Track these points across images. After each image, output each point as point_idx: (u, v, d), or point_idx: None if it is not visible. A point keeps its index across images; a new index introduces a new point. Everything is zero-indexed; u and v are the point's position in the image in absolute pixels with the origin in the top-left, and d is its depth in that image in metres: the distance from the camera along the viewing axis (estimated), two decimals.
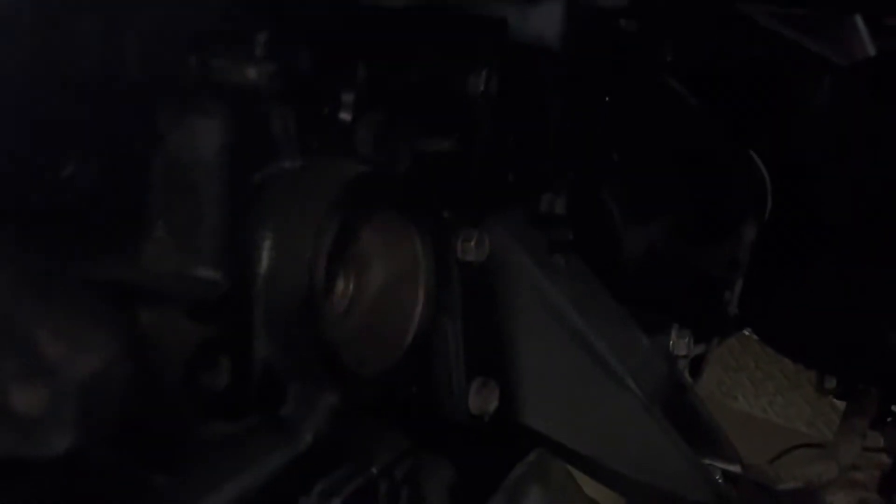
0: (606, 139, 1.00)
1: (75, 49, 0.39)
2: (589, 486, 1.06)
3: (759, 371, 2.52)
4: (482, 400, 0.68)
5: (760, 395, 2.46)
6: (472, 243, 0.65)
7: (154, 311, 0.43)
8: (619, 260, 0.98)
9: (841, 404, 2.32)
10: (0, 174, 0.36)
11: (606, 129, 0.99)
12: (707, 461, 0.74)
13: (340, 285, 0.57)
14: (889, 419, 1.33)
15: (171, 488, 0.47)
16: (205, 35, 0.44)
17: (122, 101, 0.42)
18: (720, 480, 0.74)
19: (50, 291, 0.32)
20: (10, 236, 0.34)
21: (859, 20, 0.54)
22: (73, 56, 0.39)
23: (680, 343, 0.79)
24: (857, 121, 1.04)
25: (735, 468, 0.76)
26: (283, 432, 0.53)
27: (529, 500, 0.96)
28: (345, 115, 0.56)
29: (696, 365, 1.10)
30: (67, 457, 0.31)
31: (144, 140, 0.44)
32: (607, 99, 0.99)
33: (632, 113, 1.01)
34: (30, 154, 0.38)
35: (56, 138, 0.39)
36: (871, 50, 0.56)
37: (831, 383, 1.36)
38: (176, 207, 0.47)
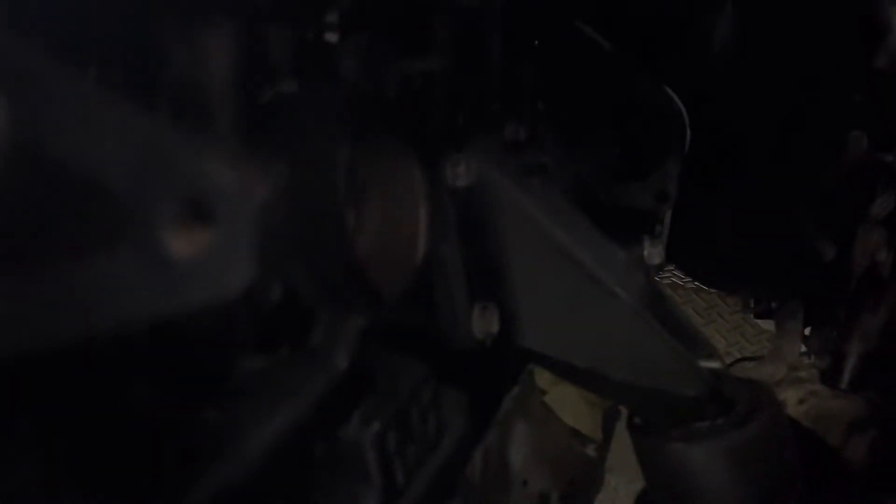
0: (534, 86, 1.02)
1: None
2: (567, 416, 1.09)
3: None
4: (484, 324, 0.69)
5: None
6: (461, 168, 0.66)
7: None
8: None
9: (751, 332, 2.46)
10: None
11: (534, 76, 1.01)
12: (693, 359, 0.78)
13: (350, 211, 0.56)
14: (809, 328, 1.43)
15: (220, 423, 0.45)
16: None
17: (131, 18, 0.40)
18: (707, 374, 0.78)
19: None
20: None
21: None
22: None
23: (653, 252, 0.82)
24: (758, 42, 1.11)
25: (717, 364, 0.80)
26: (318, 360, 0.51)
27: (517, 435, 0.98)
28: (330, 37, 0.55)
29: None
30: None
31: (155, 60, 0.42)
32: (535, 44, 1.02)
33: (552, 60, 1.04)
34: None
35: (72, 48, 0.36)
36: None
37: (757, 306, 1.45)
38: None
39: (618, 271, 0.75)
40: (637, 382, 0.74)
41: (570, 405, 1.07)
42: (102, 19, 0.37)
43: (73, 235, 0.24)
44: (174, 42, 0.42)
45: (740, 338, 2.54)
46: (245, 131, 0.47)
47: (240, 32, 0.45)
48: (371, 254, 0.57)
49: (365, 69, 0.57)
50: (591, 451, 1.05)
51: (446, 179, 0.65)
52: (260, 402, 0.48)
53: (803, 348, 1.40)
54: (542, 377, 1.17)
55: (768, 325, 1.70)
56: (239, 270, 0.28)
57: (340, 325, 0.52)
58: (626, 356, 0.74)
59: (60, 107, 0.23)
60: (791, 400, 1.09)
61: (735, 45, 1.14)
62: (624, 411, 1.08)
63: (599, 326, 0.74)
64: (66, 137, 0.23)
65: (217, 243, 0.27)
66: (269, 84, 0.50)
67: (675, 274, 2.33)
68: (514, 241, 0.71)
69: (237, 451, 0.44)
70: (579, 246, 0.74)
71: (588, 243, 0.75)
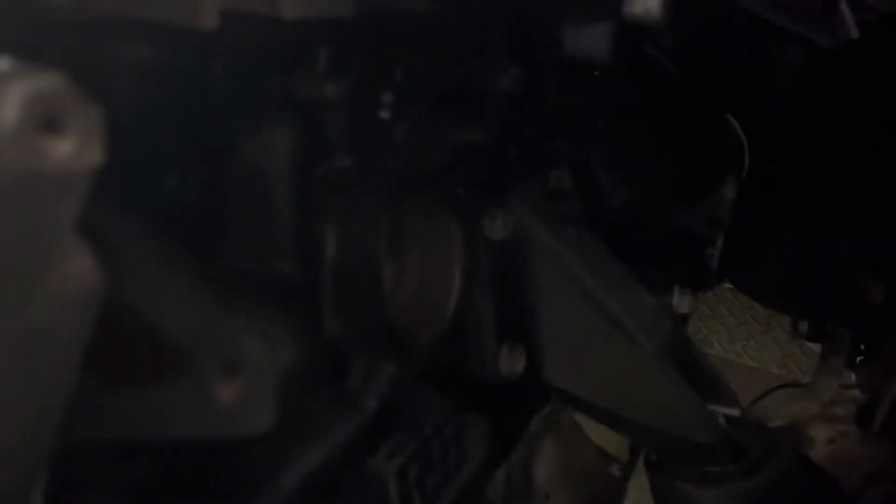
0: (594, 108, 1.06)
1: (173, 78, 0.44)
2: (596, 434, 1.15)
3: (732, 318, 2.64)
4: (511, 363, 0.75)
5: (735, 341, 2.59)
6: (498, 222, 0.72)
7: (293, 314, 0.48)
8: (609, 224, 1.05)
9: (811, 345, 2.45)
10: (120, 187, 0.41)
11: (594, 98, 1.04)
12: (711, 406, 0.82)
13: (387, 267, 0.63)
14: (860, 358, 1.43)
15: (262, 457, 0.53)
16: (278, 55, 0.49)
17: (211, 119, 0.47)
18: (723, 423, 0.82)
19: (239, 291, 0.38)
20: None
21: (844, 4, 0.60)
22: (172, 84, 0.44)
23: (682, 301, 0.86)
24: (825, 82, 1.11)
25: (735, 412, 0.84)
26: (351, 402, 0.59)
27: (544, 451, 1.05)
28: (384, 114, 0.61)
29: (682, 319, 1.18)
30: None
31: (226, 151, 0.50)
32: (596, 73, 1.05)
33: (615, 81, 1.07)
34: (142, 168, 0.43)
35: (161, 154, 0.44)
36: (855, 32, 0.62)
37: (804, 327, 1.46)
38: (252, 209, 0.52)
39: (644, 319, 0.80)
40: (653, 425, 0.80)
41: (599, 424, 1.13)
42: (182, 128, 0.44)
43: (144, 378, 0.32)
44: (242, 136, 0.49)
45: (797, 349, 2.52)
46: (300, 206, 0.54)
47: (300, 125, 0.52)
48: (406, 307, 0.64)
49: (414, 141, 0.63)
50: (615, 470, 1.11)
51: (484, 232, 0.71)
52: (297, 438, 0.56)
53: (852, 378, 1.41)
54: None
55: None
56: (262, 417, 0.36)
57: (373, 372, 0.60)
58: (644, 400, 0.79)
59: (138, 271, 0.30)
60: (820, 438, 1.11)
61: (801, 76, 1.14)
62: None
63: (621, 371, 0.79)
64: (143, 299, 0.30)
65: (247, 394, 0.34)
66: (326, 160, 0.57)
67: None
68: (545, 288, 0.77)
69: (275, 483, 0.52)
70: (609, 293, 0.79)
71: (618, 291, 0.80)
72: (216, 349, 0.34)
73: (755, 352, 2.54)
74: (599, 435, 1.13)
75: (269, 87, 0.49)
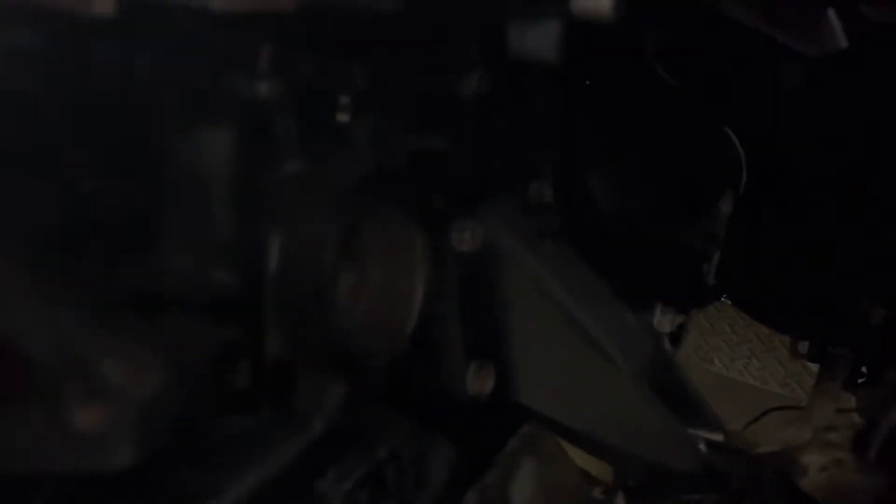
0: (588, 121, 1.03)
1: (95, 72, 0.41)
2: (579, 456, 1.11)
3: (734, 335, 2.59)
4: (480, 382, 0.72)
5: (736, 359, 2.53)
6: (467, 234, 0.68)
7: (175, 317, 0.45)
8: (603, 237, 1.01)
9: (813, 366, 2.40)
10: (27, 193, 0.38)
11: (588, 111, 1.01)
12: (691, 431, 0.78)
13: (344, 280, 0.60)
14: (860, 381, 1.39)
15: (196, 481, 0.50)
16: (212, 53, 0.46)
17: (136, 118, 0.44)
18: (703, 448, 0.78)
19: (103, 312, 0.34)
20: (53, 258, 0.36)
21: (832, 13, 0.57)
22: (93, 78, 0.41)
23: (664, 320, 0.82)
24: (825, 97, 1.08)
25: (717, 437, 0.80)
26: (297, 423, 0.56)
27: (523, 472, 1.01)
28: (342, 117, 0.58)
29: (675, 337, 1.15)
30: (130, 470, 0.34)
31: (158, 153, 0.46)
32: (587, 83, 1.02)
33: (611, 94, 1.04)
34: (54, 171, 0.40)
35: (79, 156, 0.41)
36: (844, 42, 0.59)
37: (804, 347, 1.42)
38: (189, 216, 0.49)
39: (622, 338, 0.77)
40: (630, 450, 0.76)
41: None
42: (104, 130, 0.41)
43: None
44: (175, 139, 0.46)
45: (800, 368, 2.47)
46: (239, 212, 0.51)
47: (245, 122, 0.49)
48: (362, 322, 0.61)
49: (373, 147, 0.60)
50: (598, 493, 1.07)
51: (452, 244, 0.68)
52: (236, 460, 0.52)
53: (851, 402, 1.37)
54: None
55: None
56: (125, 449, 0.32)
57: (322, 391, 0.56)
58: (621, 424, 0.76)
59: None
60: (813, 465, 1.07)
61: (802, 89, 1.11)
62: None
63: (597, 392, 0.76)
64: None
65: (109, 423, 0.31)
66: (274, 164, 0.54)
67: None
68: (517, 304, 0.73)
69: None
70: (584, 310, 0.75)
71: (594, 308, 0.77)
72: (75, 373, 0.31)
73: (757, 370, 2.48)
74: (582, 456, 1.09)
75: (202, 85, 0.46)
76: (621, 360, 0.75)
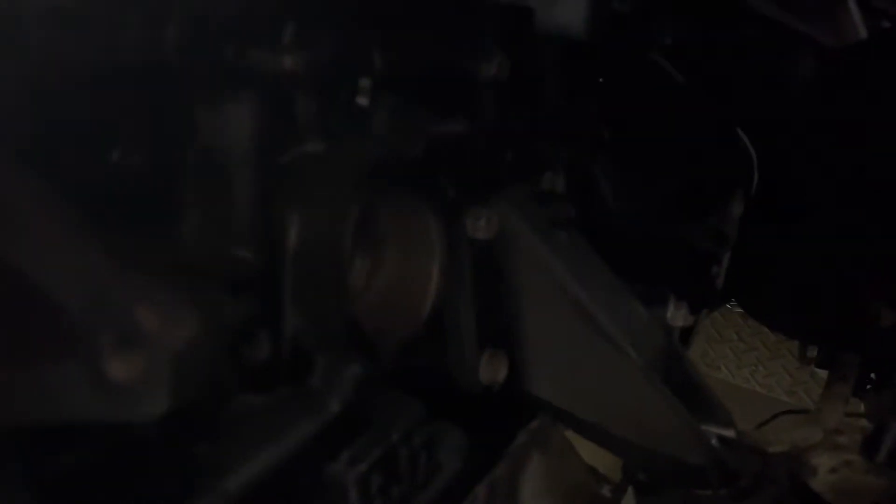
0: (599, 117, 1.03)
1: (119, 39, 0.41)
2: (586, 452, 1.10)
3: (741, 343, 2.58)
4: (492, 370, 0.71)
5: (743, 366, 2.53)
6: (482, 221, 0.68)
7: (197, 290, 0.45)
8: (611, 235, 1.01)
9: (820, 373, 2.38)
10: (55, 158, 0.38)
11: (599, 107, 1.01)
12: (703, 426, 0.78)
13: (360, 262, 0.60)
14: (868, 386, 1.38)
15: (210, 457, 0.50)
16: (238, 24, 0.46)
17: (161, 89, 0.44)
18: (715, 444, 0.78)
19: (142, 265, 0.35)
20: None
21: (852, 3, 0.56)
22: (117, 46, 0.41)
23: (677, 314, 0.82)
24: (838, 97, 1.08)
25: (729, 433, 0.80)
26: (312, 403, 0.56)
27: (531, 467, 1.01)
28: (362, 100, 0.58)
29: (685, 337, 1.14)
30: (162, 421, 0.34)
31: (181, 126, 0.47)
32: (601, 80, 1.02)
33: (623, 91, 1.04)
34: (79, 139, 0.40)
35: (103, 125, 0.41)
36: (864, 33, 0.59)
37: (813, 352, 1.41)
38: (208, 189, 0.49)
39: (634, 330, 0.76)
40: (640, 443, 0.76)
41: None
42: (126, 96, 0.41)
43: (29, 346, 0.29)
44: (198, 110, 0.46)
45: (807, 377, 2.46)
46: (261, 190, 0.51)
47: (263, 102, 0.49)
48: (377, 305, 0.61)
49: (392, 130, 0.60)
50: (606, 491, 1.06)
51: (467, 231, 0.68)
52: (251, 438, 0.52)
53: (860, 406, 1.36)
54: None
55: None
56: (157, 399, 0.32)
57: (337, 371, 0.56)
58: (631, 416, 0.75)
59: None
60: (823, 466, 1.06)
61: (814, 92, 1.11)
62: None
63: (608, 383, 0.75)
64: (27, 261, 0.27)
65: (142, 372, 0.31)
66: (295, 143, 0.54)
67: None
68: (530, 293, 0.73)
69: (222, 486, 0.49)
70: (597, 302, 0.75)
71: (608, 300, 0.77)
72: (109, 321, 0.31)
73: (763, 378, 2.47)
74: (591, 453, 1.08)
75: (227, 58, 0.46)
76: (633, 351, 0.75)
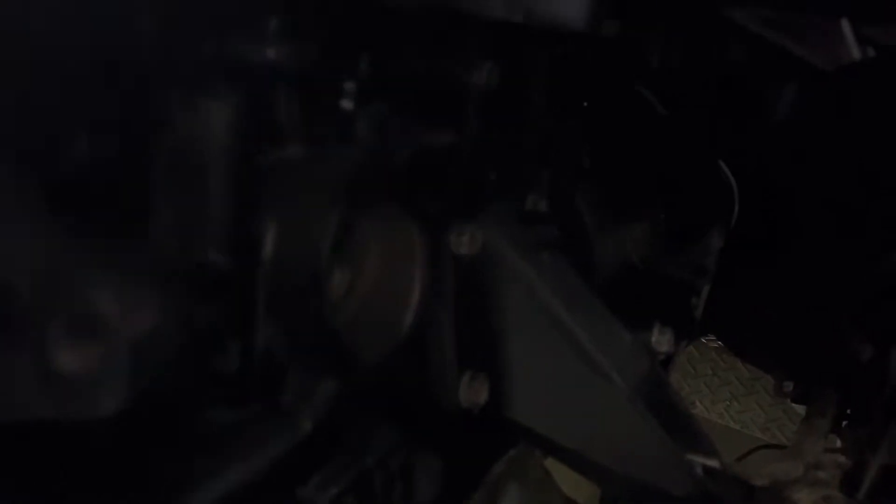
0: (580, 145, 1.02)
1: (91, 30, 0.39)
2: (566, 484, 1.08)
3: (716, 378, 2.58)
4: (473, 393, 0.69)
5: (717, 401, 2.52)
6: (465, 237, 0.66)
7: (164, 293, 0.42)
8: (590, 265, 1.00)
9: (793, 409, 2.38)
10: (21, 149, 0.36)
11: (581, 135, 1.01)
12: (687, 455, 0.76)
13: (339, 273, 0.57)
14: (845, 422, 1.37)
15: (173, 471, 0.46)
16: (218, 18, 0.44)
17: (134, 83, 0.42)
18: (700, 474, 0.75)
19: (102, 254, 0.32)
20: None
21: (846, 24, 0.56)
22: (89, 37, 0.39)
23: (661, 339, 0.80)
24: (820, 129, 1.08)
25: (714, 463, 0.77)
26: (283, 420, 0.53)
27: (508, 497, 0.97)
28: (346, 105, 0.56)
29: (664, 367, 1.12)
30: (115, 418, 0.30)
31: (154, 121, 0.44)
32: (585, 104, 1.01)
33: (605, 119, 1.03)
34: (45, 130, 0.38)
35: (70, 116, 0.39)
36: (857, 54, 0.58)
37: (789, 387, 1.40)
38: (180, 189, 0.47)
39: (618, 356, 0.74)
40: (623, 471, 0.73)
41: (570, 471, 1.06)
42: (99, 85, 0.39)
43: None
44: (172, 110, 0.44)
45: (781, 413, 2.46)
46: (236, 193, 0.48)
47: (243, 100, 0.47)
48: (356, 319, 0.58)
49: (376, 138, 0.58)
50: None
51: (450, 247, 0.66)
52: (218, 454, 0.49)
53: (836, 442, 1.35)
54: None
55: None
56: (113, 394, 0.29)
57: (311, 388, 0.53)
58: (614, 443, 0.73)
59: None
60: (804, 501, 1.04)
61: (796, 123, 1.11)
62: None
63: (591, 409, 0.73)
64: None
65: (96, 364, 0.28)
66: (275, 146, 0.52)
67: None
68: (513, 314, 0.71)
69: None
70: (580, 325, 0.73)
71: (591, 323, 0.74)
72: (61, 306, 0.28)
73: (738, 414, 2.46)
74: (570, 485, 1.06)
75: (208, 49, 0.44)
76: (617, 376, 0.72)
